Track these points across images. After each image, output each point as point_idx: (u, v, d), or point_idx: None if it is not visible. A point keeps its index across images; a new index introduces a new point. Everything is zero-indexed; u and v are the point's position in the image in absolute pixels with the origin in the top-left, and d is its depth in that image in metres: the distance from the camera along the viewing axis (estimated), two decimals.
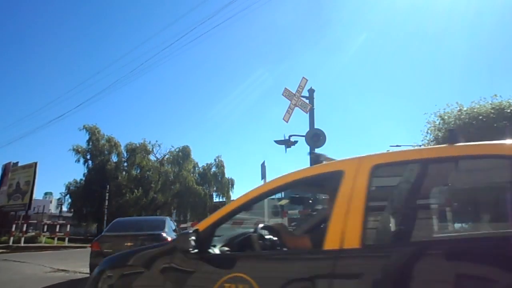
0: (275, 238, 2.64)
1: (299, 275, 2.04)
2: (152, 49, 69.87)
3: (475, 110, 4.56)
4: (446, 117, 4.83)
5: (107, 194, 27.89)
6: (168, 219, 9.34)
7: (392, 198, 2.16)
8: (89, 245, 21.41)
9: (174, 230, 9.17)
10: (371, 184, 2.00)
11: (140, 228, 8.35)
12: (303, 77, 10.14)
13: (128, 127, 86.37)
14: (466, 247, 1.82)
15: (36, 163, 24.56)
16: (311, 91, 10.18)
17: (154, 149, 34.72)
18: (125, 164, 34.24)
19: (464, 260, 1.75)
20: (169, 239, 7.71)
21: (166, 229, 8.13)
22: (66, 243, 20.23)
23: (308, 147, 9.91)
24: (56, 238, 21.01)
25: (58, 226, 23.40)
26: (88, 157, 32.76)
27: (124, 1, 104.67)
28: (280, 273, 2.12)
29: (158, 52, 65.88)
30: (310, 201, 9.80)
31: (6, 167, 27.59)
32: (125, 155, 34.16)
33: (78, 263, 11.30)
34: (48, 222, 25.78)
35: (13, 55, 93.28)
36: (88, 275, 8.93)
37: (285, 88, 10.37)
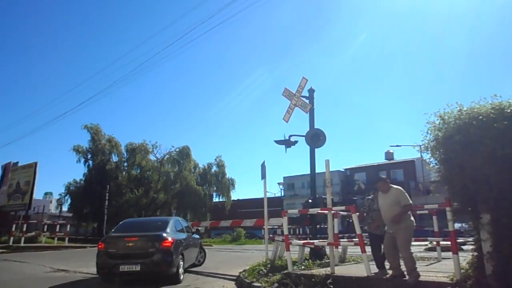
0: None
1: None
2: (152, 49, 69.91)
3: (475, 110, 4.54)
4: (446, 117, 4.80)
5: (107, 194, 27.86)
6: (173, 219, 9.32)
7: None
8: (89, 245, 21.50)
9: (181, 230, 9.18)
10: None
11: (143, 229, 8.38)
12: (303, 77, 10.12)
13: (128, 127, 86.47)
14: None
15: (36, 163, 24.56)
16: (311, 91, 10.17)
17: (154, 149, 34.76)
18: (125, 164, 34.23)
19: None
20: (170, 239, 7.73)
21: (168, 230, 8.16)
22: (66, 243, 20.21)
23: (308, 147, 9.90)
24: (56, 238, 21.01)
25: (58, 226, 23.40)
26: (89, 157, 32.74)
27: (124, 1, 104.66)
28: None
29: (158, 52, 65.98)
30: (310, 201, 9.81)
31: (6, 167, 27.59)
32: (125, 155, 34.15)
33: (78, 263, 11.32)
34: (48, 222, 25.78)
35: (13, 55, 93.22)
36: (88, 275, 8.94)
37: (285, 88, 10.37)
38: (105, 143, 33.11)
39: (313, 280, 6.04)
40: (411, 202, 5.60)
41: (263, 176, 10.05)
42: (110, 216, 27.02)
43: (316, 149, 9.84)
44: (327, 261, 7.77)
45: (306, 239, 13.19)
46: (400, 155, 54.61)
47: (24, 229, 19.40)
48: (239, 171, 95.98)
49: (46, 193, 54.72)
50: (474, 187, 4.48)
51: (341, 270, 6.65)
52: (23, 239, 18.64)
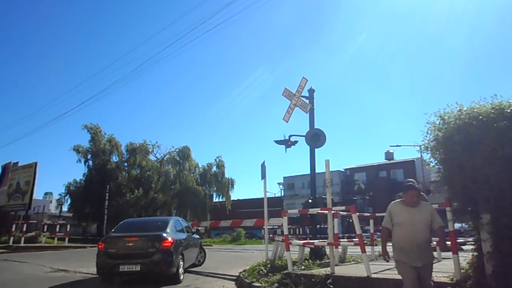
0: None
1: None
2: (152, 49, 69.87)
3: (475, 110, 4.53)
4: (446, 117, 4.79)
5: (107, 194, 27.83)
6: (173, 219, 9.34)
7: None
8: (89, 245, 21.50)
9: (181, 230, 9.19)
10: None
11: (143, 229, 8.38)
12: (303, 77, 10.12)
13: (128, 127, 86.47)
14: None
15: (36, 163, 24.56)
16: (311, 91, 10.17)
17: (154, 149, 34.77)
18: (126, 164, 34.19)
19: None
20: (170, 239, 7.73)
21: (168, 230, 8.16)
22: (66, 243, 20.20)
23: (308, 147, 9.90)
24: (56, 238, 21.01)
25: (58, 226, 23.39)
26: (89, 157, 32.71)
27: (124, 1, 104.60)
28: None
29: (158, 52, 65.94)
30: (310, 201, 9.81)
31: (6, 167, 27.59)
32: (126, 155, 34.12)
33: (78, 263, 11.32)
34: (48, 222, 25.76)
35: (13, 55, 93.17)
36: (88, 275, 8.94)
37: (285, 88, 10.37)
38: (105, 143, 33.11)
39: (313, 280, 6.04)
40: None
41: (263, 176, 10.05)
42: (110, 216, 27.00)
43: (316, 149, 9.84)
44: (327, 261, 7.77)
45: (306, 239, 13.19)
46: (400, 155, 54.72)
47: (24, 229, 19.39)
48: (239, 171, 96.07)
49: (46, 193, 54.74)
50: (474, 187, 4.47)
51: (341, 270, 6.64)
52: (23, 239, 18.63)
